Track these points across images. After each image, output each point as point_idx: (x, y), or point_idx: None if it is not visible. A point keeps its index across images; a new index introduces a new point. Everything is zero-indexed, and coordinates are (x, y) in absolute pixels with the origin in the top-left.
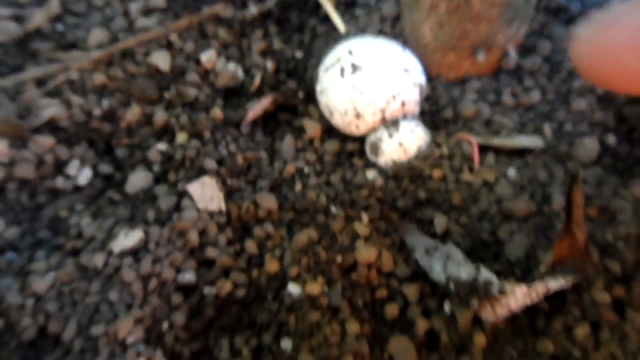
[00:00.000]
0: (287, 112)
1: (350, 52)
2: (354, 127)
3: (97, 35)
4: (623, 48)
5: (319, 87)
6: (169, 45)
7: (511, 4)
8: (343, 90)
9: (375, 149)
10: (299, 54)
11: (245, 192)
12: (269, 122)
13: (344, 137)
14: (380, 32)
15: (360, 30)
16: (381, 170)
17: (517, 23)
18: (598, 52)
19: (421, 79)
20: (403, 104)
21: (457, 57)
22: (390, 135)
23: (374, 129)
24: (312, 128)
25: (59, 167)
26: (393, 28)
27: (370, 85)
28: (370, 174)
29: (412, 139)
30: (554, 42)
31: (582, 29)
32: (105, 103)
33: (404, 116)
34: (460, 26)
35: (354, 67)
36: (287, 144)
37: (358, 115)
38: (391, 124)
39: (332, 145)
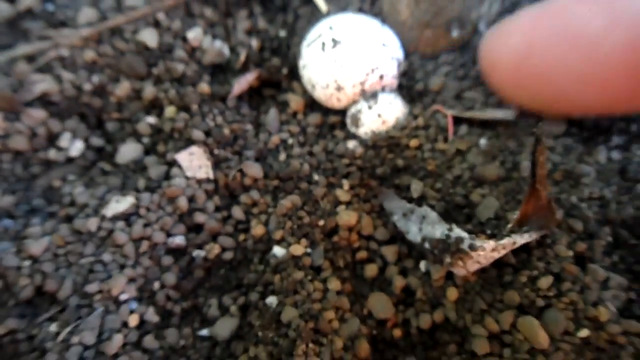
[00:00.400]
0: (272, 88)
1: (330, 28)
2: (335, 100)
3: (87, 13)
4: (512, 60)
5: (301, 62)
6: (156, 24)
7: None
8: (324, 64)
9: (356, 120)
10: (282, 33)
11: (232, 161)
12: (254, 97)
13: (326, 111)
14: (360, 11)
15: (341, 9)
16: (361, 141)
17: (489, 1)
18: (493, 62)
19: (399, 53)
20: (381, 77)
21: (433, 34)
22: (370, 107)
23: (354, 102)
24: (295, 102)
25: (52, 139)
26: (372, 6)
27: (350, 58)
28: (351, 144)
29: (390, 110)
30: None
31: (486, 37)
32: (95, 79)
33: (383, 89)
34: (435, 3)
35: (335, 42)
36: (272, 116)
37: (339, 88)
38: (370, 96)
39: (314, 118)
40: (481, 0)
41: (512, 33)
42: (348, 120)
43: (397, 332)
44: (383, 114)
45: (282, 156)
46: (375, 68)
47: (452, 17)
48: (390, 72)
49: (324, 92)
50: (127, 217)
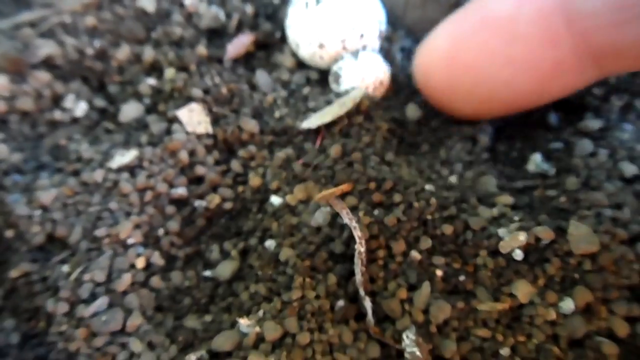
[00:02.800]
0: (265, 51)
1: None
2: (318, 58)
3: None
4: (442, 64)
5: (287, 22)
6: None
7: None
8: (307, 22)
9: (336, 77)
10: (276, 0)
11: (229, 118)
12: (250, 60)
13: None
14: None
15: None
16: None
17: None
18: (425, 72)
19: (380, 14)
20: (362, 35)
21: None
22: (350, 65)
23: (335, 60)
24: (286, 63)
25: (57, 100)
26: None
27: (331, 16)
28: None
29: (371, 69)
30: None
31: (418, 49)
32: (97, 43)
33: (364, 48)
34: None
35: (317, 1)
36: (262, 77)
37: (321, 46)
38: (351, 54)
39: (300, 77)
40: None
41: (438, 38)
42: (330, 78)
43: None
44: (363, 73)
45: (277, 113)
46: (356, 26)
47: None
48: (372, 32)
49: (307, 51)
50: (131, 169)
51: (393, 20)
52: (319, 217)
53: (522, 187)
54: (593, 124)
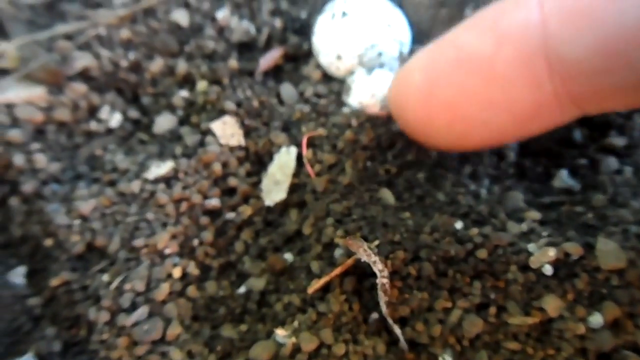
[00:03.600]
0: (293, 63)
1: (345, 1)
2: (335, 69)
3: None
4: (417, 98)
5: (314, 30)
6: (186, 5)
7: None
8: (329, 32)
9: (348, 89)
10: (304, 15)
11: (260, 131)
12: (279, 72)
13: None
14: None
15: None
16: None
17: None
18: (399, 105)
19: (403, 36)
20: (380, 54)
21: (448, 13)
22: (363, 80)
23: (351, 73)
24: (312, 74)
25: (92, 111)
26: None
27: (352, 30)
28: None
29: (382, 87)
30: None
31: (392, 81)
32: (131, 56)
33: (381, 66)
34: None
35: (343, 14)
36: (288, 91)
37: (338, 57)
38: (367, 69)
39: (324, 89)
40: None
41: (413, 71)
42: (343, 89)
43: None
44: (373, 89)
45: (304, 128)
46: (375, 44)
47: None
48: (390, 52)
49: (325, 60)
50: (167, 180)
51: (419, 36)
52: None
53: (549, 202)
54: (618, 141)
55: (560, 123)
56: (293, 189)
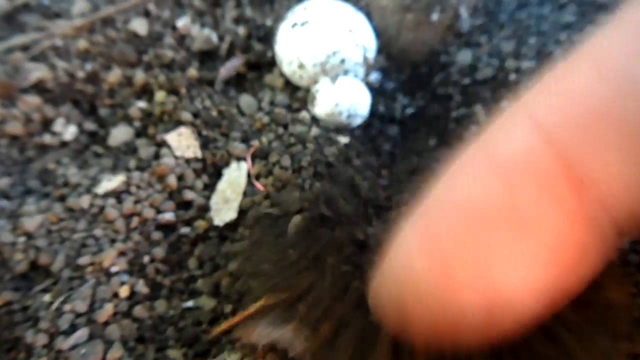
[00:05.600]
0: (257, 71)
1: (304, 9)
2: (298, 77)
3: (80, 5)
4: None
5: (276, 38)
6: (146, 13)
7: None
8: (291, 41)
9: (312, 98)
10: (269, 22)
11: (219, 142)
12: (241, 81)
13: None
14: None
15: None
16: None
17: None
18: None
19: (367, 40)
20: (343, 61)
21: (414, 18)
22: (327, 88)
23: (315, 81)
24: (275, 83)
25: (46, 124)
26: None
27: (312, 38)
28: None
29: (347, 95)
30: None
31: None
32: (88, 66)
33: (345, 73)
34: None
35: (304, 21)
36: (247, 101)
37: (300, 66)
38: (331, 78)
39: (285, 98)
40: None
41: (411, 257)
42: (308, 99)
43: None
44: (338, 98)
45: (264, 138)
46: (337, 51)
47: (432, 1)
48: (354, 58)
49: (288, 69)
50: (118, 195)
51: (386, 41)
52: None
53: None
54: None
55: (607, 257)
56: (245, 207)
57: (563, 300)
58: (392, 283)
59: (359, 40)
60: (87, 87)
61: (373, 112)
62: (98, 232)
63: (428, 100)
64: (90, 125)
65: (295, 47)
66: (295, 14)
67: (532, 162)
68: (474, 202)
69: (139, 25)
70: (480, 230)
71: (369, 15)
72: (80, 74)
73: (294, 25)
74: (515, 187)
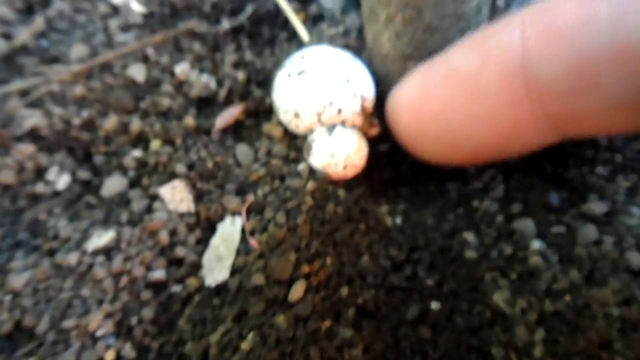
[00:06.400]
0: (256, 118)
1: (302, 57)
2: (294, 126)
3: (78, 50)
4: (410, 111)
5: (273, 86)
6: (145, 59)
7: (462, 15)
8: (287, 90)
9: (308, 148)
10: (269, 65)
11: (213, 194)
12: (239, 129)
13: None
14: (346, 44)
15: (327, 41)
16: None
17: (470, 31)
18: (394, 118)
19: (365, 90)
20: (340, 111)
21: (416, 66)
22: (323, 138)
23: (311, 130)
24: (273, 131)
25: (39, 173)
26: (357, 39)
27: (309, 88)
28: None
29: (343, 146)
30: None
31: (389, 96)
32: (85, 113)
33: (342, 123)
34: (416, 36)
35: (300, 71)
36: (244, 152)
37: (297, 115)
38: (327, 128)
39: (282, 149)
40: (461, 32)
41: (407, 86)
42: (304, 148)
43: None
44: (334, 149)
45: (260, 191)
46: (334, 101)
47: (433, 49)
48: (351, 108)
49: (284, 117)
50: (107, 252)
51: (387, 88)
52: None
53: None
54: (598, 207)
55: (541, 144)
56: (238, 266)
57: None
58: (393, 99)
59: (356, 90)
60: (83, 134)
61: (374, 160)
62: (85, 291)
63: None
64: (84, 174)
65: (291, 96)
66: (292, 63)
67: (504, 54)
68: (455, 66)
69: (137, 71)
70: (452, 86)
71: (370, 61)
72: (76, 121)
73: (289, 75)
74: (485, 65)
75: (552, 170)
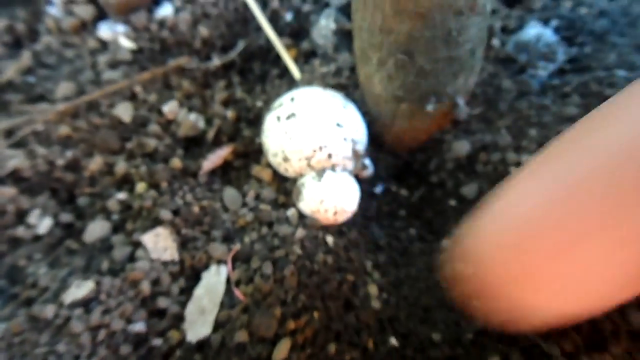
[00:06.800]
0: (245, 159)
1: (292, 99)
2: (283, 170)
3: (65, 87)
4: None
5: (262, 127)
6: (133, 97)
7: (455, 58)
8: (276, 133)
9: (298, 193)
10: (259, 103)
11: (199, 241)
12: (227, 171)
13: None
14: (338, 83)
15: (319, 79)
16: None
17: (464, 75)
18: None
19: (356, 133)
20: (330, 156)
21: (409, 107)
22: (313, 183)
23: (301, 175)
24: (263, 175)
25: (21, 216)
26: (349, 78)
27: (299, 132)
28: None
29: (333, 191)
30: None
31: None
32: (69, 153)
33: (333, 168)
34: (408, 79)
35: (290, 114)
36: (231, 197)
37: (286, 159)
38: (317, 173)
39: (270, 193)
40: (455, 75)
41: (500, 212)
42: (293, 192)
43: None
44: (323, 195)
45: (247, 238)
46: (324, 146)
47: (426, 92)
48: (342, 153)
49: (273, 160)
50: (86, 304)
51: (380, 129)
52: None
53: None
54: None
55: None
56: (221, 320)
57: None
58: (468, 261)
59: (347, 134)
60: (67, 175)
61: (368, 202)
62: (61, 347)
63: (423, 191)
64: (66, 217)
65: (280, 140)
66: (282, 106)
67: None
68: (569, 177)
69: (124, 111)
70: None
71: (362, 100)
72: (60, 162)
73: (280, 117)
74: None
75: None
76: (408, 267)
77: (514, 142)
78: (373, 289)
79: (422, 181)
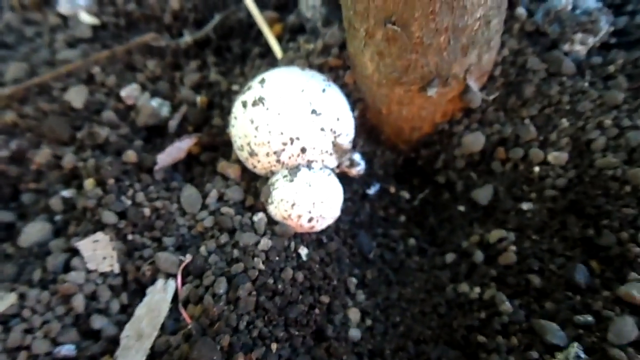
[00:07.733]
0: (214, 152)
1: (262, 82)
2: (251, 166)
3: (15, 69)
4: None
5: (230, 117)
6: (90, 79)
7: (462, 28)
8: (242, 122)
9: (266, 194)
10: (236, 87)
11: (147, 249)
12: (190, 166)
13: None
14: (324, 62)
15: (302, 58)
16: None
17: (476, 51)
18: None
19: (338, 125)
20: (303, 150)
21: (405, 92)
22: (283, 185)
23: (271, 172)
24: (230, 171)
25: None
26: (338, 57)
27: (266, 122)
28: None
29: (308, 194)
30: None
31: None
32: (14, 144)
33: (309, 165)
34: (403, 56)
35: (257, 99)
36: (189, 197)
37: (252, 154)
38: (290, 171)
39: (237, 193)
40: (464, 51)
41: None
42: (262, 193)
43: None
44: (296, 197)
45: (203, 247)
46: (295, 138)
47: (427, 72)
48: (319, 146)
49: (240, 154)
50: (5, 321)
51: (375, 120)
52: None
53: None
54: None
55: None
56: (159, 349)
57: None
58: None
59: (325, 123)
60: (11, 169)
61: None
62: None
63: (427, 193)
64: (6, 216)
65: (246, 129)
66: (250, 89)
67: None
68: None
69: (76, 95)
70: None
71: (354, 85)
72: (4, 153)
73: (245, 104)
74: None
75: (580, 233)
76: (402, 286)
77: (540, 135)
78: (354, 314)
79: (427, 181)
